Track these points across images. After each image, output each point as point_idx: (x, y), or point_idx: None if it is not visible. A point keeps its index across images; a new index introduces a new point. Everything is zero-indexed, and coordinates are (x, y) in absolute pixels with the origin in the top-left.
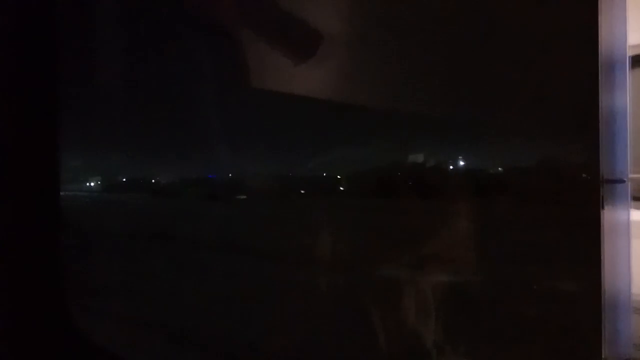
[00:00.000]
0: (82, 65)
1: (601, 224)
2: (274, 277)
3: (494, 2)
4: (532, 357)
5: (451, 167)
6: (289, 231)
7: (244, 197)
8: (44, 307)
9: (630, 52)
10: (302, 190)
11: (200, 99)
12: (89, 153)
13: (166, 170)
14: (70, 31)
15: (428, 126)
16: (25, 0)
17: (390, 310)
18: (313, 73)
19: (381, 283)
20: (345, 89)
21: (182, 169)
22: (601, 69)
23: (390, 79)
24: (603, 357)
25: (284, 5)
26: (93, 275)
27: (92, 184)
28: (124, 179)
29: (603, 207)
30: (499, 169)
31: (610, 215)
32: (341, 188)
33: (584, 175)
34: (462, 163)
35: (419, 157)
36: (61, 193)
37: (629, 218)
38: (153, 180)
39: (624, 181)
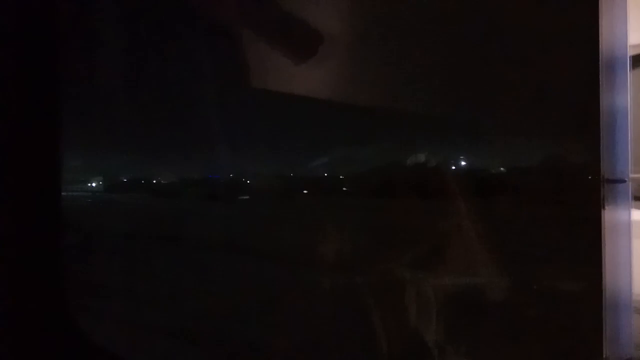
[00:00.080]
0: (83, 65)
1: (602, 224)
2: (276, 277)
3: (495, 3)
4: (534, 357)
5: (452, 167)
6: (290, 231)
7: (245, 197)
8: (44, 307)
9: (630, 52)
10: (305, 190)
11: (201, 99)
12: (89, 153)
13: (167, 170)
14: (70, 31)
15: (428, 126)
16: (25, 0)
17: (394, 310)
18: (313, 73)
19: (383, 283)
20: (360, 89)
21: (183, 169)
22: (602, 69)
23: (399, 80)
24: (604, 356)
25: (286, 6)
26: (93, 275)
27: (93, 184)
28: (125, 179)
29: (604, 207)
30: (500, 168)
31: (611, 215)
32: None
33: (585, 175)
34: (462, 163)
35: (421, 157)
36: (62, 193)
37: (629, 218)
38: (154, 181)
39: (624, 181)
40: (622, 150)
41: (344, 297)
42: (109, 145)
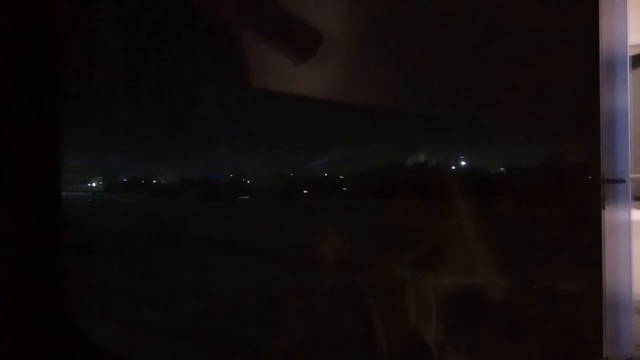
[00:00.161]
0: (83, 65)
1: (602, 224)
2: (276, 278)
3: (495, 3)
4: (534, 357)
5: (452, 167)
6: (290, 231)
7: (245, 197)
8: (44, 307)
9: (630, 52)
10: (305, 190)
11: (201, 99)
12: (89, 153)
13: (167, 170)
14: (70, 31)
15: (428, 126)
16: (25, 0)
17: (394, 311)
18: (313, 73)
19: (383, 283)
20: (360, 89)
21: (183, 169)
22: (602, 69)
23: (399, 80)
24: (604, 356)
25: (286, 6)
26: (93, 275)
27: (93, 184)
28: (125, 179)
29: (604, 207)
30: (500, 168)
31: (611, 215)
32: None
33: (585, 175)
34: (462, 163)
35: (421, 157)
36: (62, 193)
37: (629, 218)
38: (154, 181)
39: (624, 181)
40: (622, 150)
41: (344, 297)
42: (109, 145)
